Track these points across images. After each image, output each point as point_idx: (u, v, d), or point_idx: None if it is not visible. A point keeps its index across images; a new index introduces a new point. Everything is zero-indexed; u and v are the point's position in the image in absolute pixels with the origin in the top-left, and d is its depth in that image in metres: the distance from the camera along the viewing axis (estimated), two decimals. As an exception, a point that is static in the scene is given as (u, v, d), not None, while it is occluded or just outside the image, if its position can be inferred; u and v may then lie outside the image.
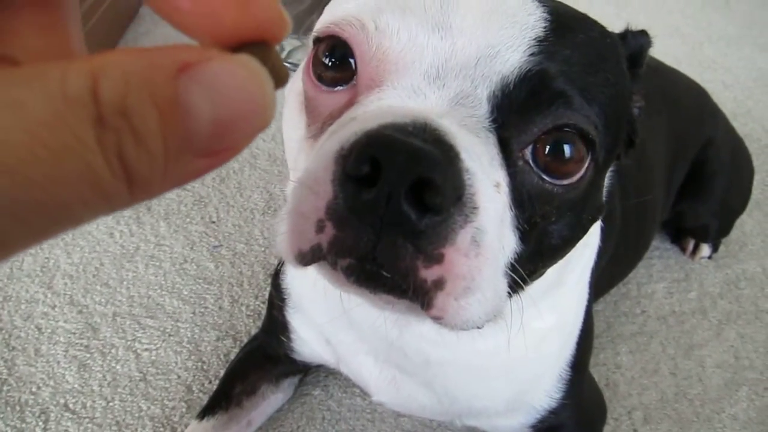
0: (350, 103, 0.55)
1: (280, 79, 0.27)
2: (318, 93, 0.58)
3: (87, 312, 1.21)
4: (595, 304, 1.19)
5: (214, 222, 1.42)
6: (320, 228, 0.46)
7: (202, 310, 1.24)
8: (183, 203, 1.46)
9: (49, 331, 1.18)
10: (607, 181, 0.75)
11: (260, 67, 0.25)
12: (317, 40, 0.58)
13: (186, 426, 1.02)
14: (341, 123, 0.52)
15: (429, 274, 0.46)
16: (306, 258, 0.48)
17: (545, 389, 0.86)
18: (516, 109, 0.52)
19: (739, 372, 1.22)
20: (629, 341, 1.26)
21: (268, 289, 1.26)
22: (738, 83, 2.13)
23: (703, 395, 1.17)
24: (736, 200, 1.42)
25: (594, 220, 0.65)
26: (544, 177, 0.54)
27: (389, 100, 0.51)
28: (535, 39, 0.53)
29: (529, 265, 0.57)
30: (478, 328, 0.52)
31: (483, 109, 0.52)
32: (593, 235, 0.84)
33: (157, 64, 0.23)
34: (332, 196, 0.46)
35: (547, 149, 0.53)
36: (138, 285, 1.27)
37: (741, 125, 1.49)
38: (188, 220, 1.42)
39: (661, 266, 1.43)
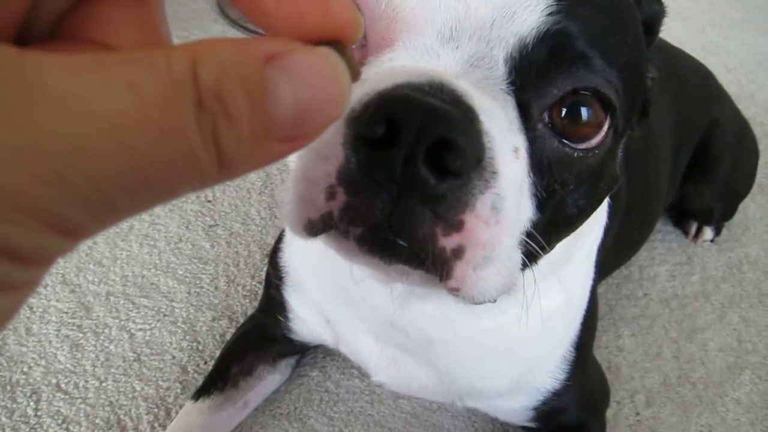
0: (360, 64, 0.53)
1: (354, 75, 0.28)
2: None
3: (80, 291, 1.19)
4: (598, 287, 1.17)
5: (209, 201, 1.39)
6: (331, 195, 0.43)
7: (198, 290, 1.21)
8: (178, 182, 1.43)
9: (40, 310, 1.15)
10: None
11: (340, 60, 0.27)
12: None
13: (181, 407, 1.00)
14: None
15: (448, 242, 0.43)
16: (316, 228, 0.45)
17: (549, 370, 0.85)
18: (536, 70, 0.50)
19: (741, 356, 1.20)
20: (632, 324, 1.24)
21: (265, 268, 1.23)
22: (741, 67, 2.11)
23: (706, 379, 1.15)
24: (741, 183, 1.40)
25: (609, 191, 0.63)
26: (564, 141, 0.52)
27: (401, 61, 0.49)
28: None
29: (544, 235, 0.55)
30: (492, 301, 0.50)
31: (500, 71, 0.49)
32: (601, 211, 0.82)
33: (248, 54, 0.25)
34: (344, 160, 0.43)
35: (563, 112, 0.51)
36: (132, 264, 1.25)
37: (744, 109, 1.46)
38: (183, 199, 1.39)
39: (663, 249, 1.42)
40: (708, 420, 1.09)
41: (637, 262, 1.37)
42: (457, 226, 0.43)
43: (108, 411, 1.01)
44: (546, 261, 0.66)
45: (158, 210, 1.36)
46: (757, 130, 1.49)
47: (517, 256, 0.50)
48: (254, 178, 1.45)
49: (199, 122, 0.23)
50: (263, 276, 1.22)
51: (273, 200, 1.40)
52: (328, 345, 0.97)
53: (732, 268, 1.39)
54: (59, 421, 0.99)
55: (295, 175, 0.46)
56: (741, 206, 1.46)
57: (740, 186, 1.41)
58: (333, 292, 0.83)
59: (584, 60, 0.50)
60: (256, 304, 1.17)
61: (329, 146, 0.43)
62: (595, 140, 0.53)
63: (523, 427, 0.96)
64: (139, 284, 1.21)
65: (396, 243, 0.44)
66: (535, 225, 0.52)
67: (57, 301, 1.17)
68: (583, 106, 0.51)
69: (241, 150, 0.25)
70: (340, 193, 0.43)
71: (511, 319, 0.75)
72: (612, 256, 1.07)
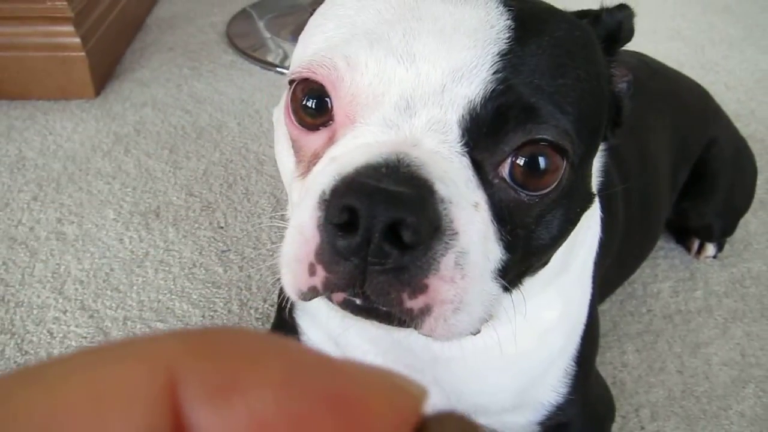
0: (330, 142, 0.57)
1: None
2: (301, 135, 0.60)
3: (98, 316, 1.23)
4: (601, 304, 1.19)
5: (222, 227, 1.43)
6: (313, 271, 0.51)
7: (212, 313, 1.25)
8: (191, 209, 1.48)
9: (60, 335, 1.19)
10: (598, 164, 0.75)
11: None
12: (292, 82, 0.60)
13: (197, 427, 1.03)
14: (323, 163, 0.56)
15: (415, 303, 0.49)
16: (308, 295, 0.53)
17: (551, 384, 0.87)
18: (485, 130, 0.53)
19: (745, 369, 1.22)
20: (636, 340, 1.26)
21: (277, 292, 1.27)
22: (740, 85, 2.14)
23: (710, 393, 1.17)
24: (740, 199, 1.43)
25: (584, 210, 0.66)
26: (521, 192, 0.56)
27: (363, 137, 0.54)
28: (498, 54, 0.53)
29: (522, 264, 0.59)
30: (474, 334, 0.56)
31: (455, 133, 0.53)
32: (591, 218, 0.84)
33: None
34: (319, 240, 0.50)
35: (521, 164, 0.55)
36: (148, 290, 1.29)
37: (744, 126, 1.49)
38: (197, 225, 1.44)
39: (666, 266, 1.44)
40: (713, 433, 1.11)
41: (640, 279, 1.39)
42: (422, 289, 0.49)
43: (127, 432, 1.04)
44: (544, 272, 0.69)
45: (172, 236, 1.40)
46: (757, 147, 1.52)
47: (492, 290, 0.56)
48: (265, 204, 1.49)
49: None
50: (275, 299, 1.26)
51: (284, 224, 1.43)
52: (339, 366, 1.00)
53: (735, 283, 1.41)
54: (80, 443, 1.02)
55: (285, 251, 0.54)
56: (743, 222, 1.49)
57: (740, 202, 1.43)
58: (341, 315, 0.86)
59: (530, 113, 0.53)
60: (268, 326, 1.20)
61: (307, 228, 0.51)
62: (552, 185, 0.56)
63: (529, 443, 0.98)
64: (155, 309, 1.25)
65: (373, 306, 0.51)
66: (508, 262, 0.56)
67: (76, 326, 1.21)
68: (540, 155, 0.55)
69: None
70: (320, 270, 0.51)
71: (512, 333, 0.78)
72: (614, 274, 1.10)
